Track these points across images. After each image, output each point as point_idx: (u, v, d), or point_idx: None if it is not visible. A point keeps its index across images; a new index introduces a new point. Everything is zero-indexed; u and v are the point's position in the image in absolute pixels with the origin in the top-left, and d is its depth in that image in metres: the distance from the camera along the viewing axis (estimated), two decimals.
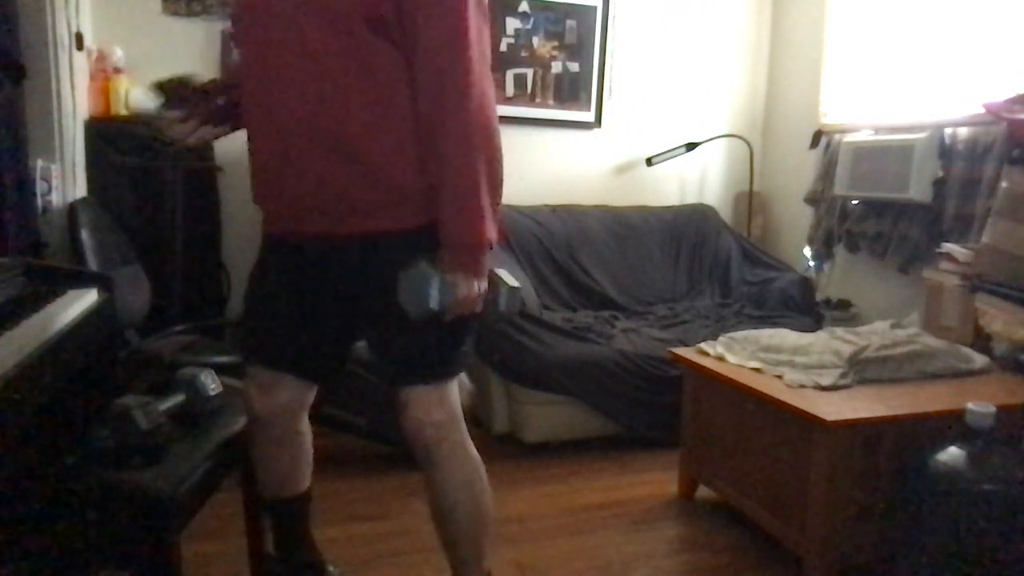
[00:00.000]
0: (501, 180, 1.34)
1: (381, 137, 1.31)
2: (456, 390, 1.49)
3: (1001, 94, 2.55)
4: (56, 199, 2.36)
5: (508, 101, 3.47)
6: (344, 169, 1.31)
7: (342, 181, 1.32)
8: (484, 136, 1.30)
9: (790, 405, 1.90)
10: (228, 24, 3.03)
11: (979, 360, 2.23)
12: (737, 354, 2.28)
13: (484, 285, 1.35)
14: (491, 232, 1.32)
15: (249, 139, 1.42)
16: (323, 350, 1.55)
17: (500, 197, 1.35)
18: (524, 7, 3.48)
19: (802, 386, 2.01)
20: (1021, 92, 2.48)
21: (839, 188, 3.25)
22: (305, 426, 1.66)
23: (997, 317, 2.31)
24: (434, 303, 1.29)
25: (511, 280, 1.42)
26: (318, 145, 1.30)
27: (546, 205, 3.48)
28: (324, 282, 1.45)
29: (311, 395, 1.63)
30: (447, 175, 1.29)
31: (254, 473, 1.65)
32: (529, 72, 3.53)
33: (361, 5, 1.26)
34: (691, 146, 3.75)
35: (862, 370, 2.09)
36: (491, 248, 1.33)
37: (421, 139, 1.32)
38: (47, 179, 2.31)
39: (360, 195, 1.33)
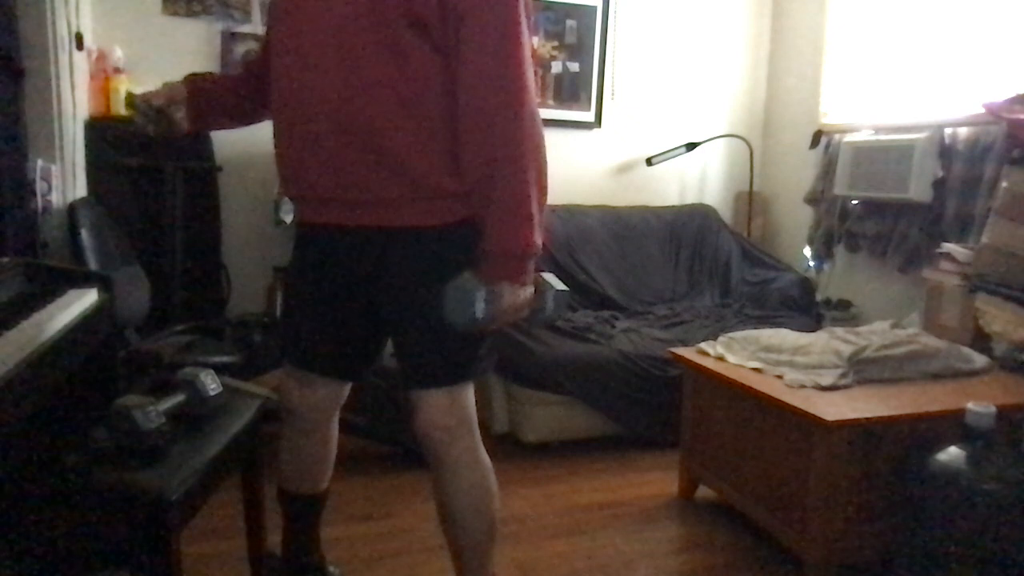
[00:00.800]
0: (547, 186, 1.33)
1: (406, 134, 1.30)
2: (471, 395, 1.47)
3: (1001, 94, 2.55)
4: (56, 199, 2.35)
5: None
6: (367, 162, 1.31)
7: (364, 174, 1.32)
8: (534, 143, 1.29)
9: (790, 405, 1.90)
10: (228, 24, 3.04)
11: (979, 360, 2.23)
12: (737, 354, 2.28)
13: (530, 292, 1.34)
14: (538, 240, 1.31)
15: (277, 129, 1.42)
16: (351, 349, 1.56)
17: (545, 203, 1.33)
18: None
19: (802, 386, 2.01)
20: (1021, 92, 2.49)
21: (839, 188, 3.25)
22: (334, 426, 1.68)
23: (997, 317, 2.31)
24: (480, 313, 1.28)
25: (557, 283, 1.41)
26: (344, 136, 1.30)
27: (546, 205, 3.47)
28: (346, 277, 1.45)
29: (346, 392, 1.64)
30: (496, 183, 1.28)
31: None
32: None
33: (402, 5, 1.25)
34: (691, 146, 3.74)
35: (862, 370, 2.09)
36: (537, 255, 1.32)
37: (457, 141, 1.31)
38: (47, 179, 2.31)
39: (381, 189, 1.33)
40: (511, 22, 1.26)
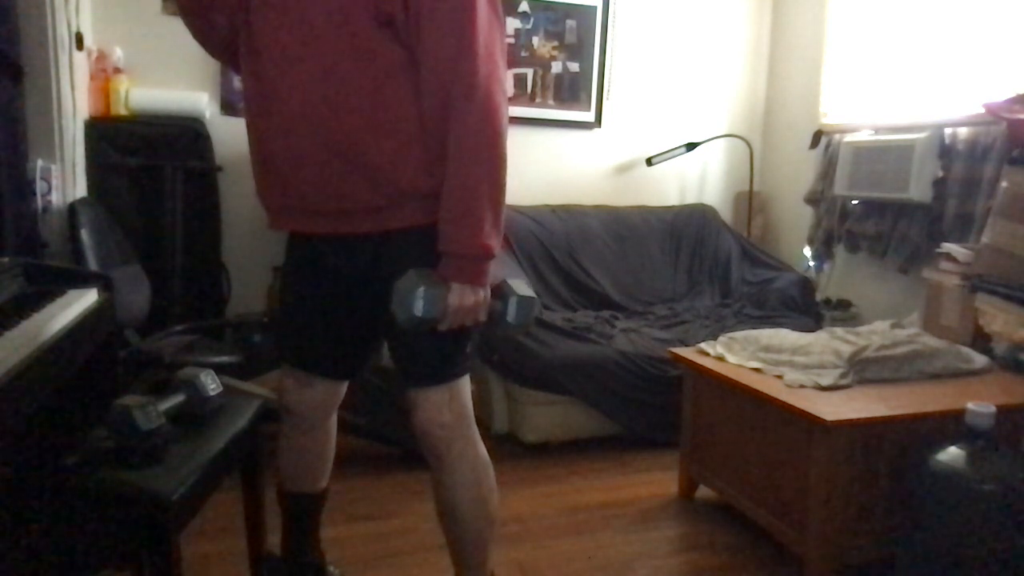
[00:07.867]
0: (504, 188, 1.31)
1: (385, 141, 1.29)
2: (467, 391, 1.48)
3: (1001, 94, 2.55)
4: (56, 199, 2.36)
5: (508, 101, 3.46)
6: (348, 172, 1.30)
7: (347, 184, 1.31)
8: (487, 142, 1.27)
9: (790, 405, 1.90)
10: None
11: (979, 360, 2.23)
12: (737, 354, 2.28)
13: (484, 294, 1.33)
14: (491, 241, 1.29)
15: (253, 136, 1.40)
16: (347, 350, 1.56)
17: (503, 205, 1.31)
18: (524, 7, 3.48)
19: (802, 386, 2.01)
20: (1021, 92, 2.49)
21: (839, 188, 3.25)
22: (333, 423, 1.68)
23: (997, 317, 2.31)
24: (419, 311, 1.26)
25: (523, 290, 1.38)
26: (323, 147, 1.30)
27: (546, 205, 3.48)
28: (339, 279, 1.46)
29: (343, 390, 1.65)
30: (447, 180, 1.28)
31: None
32: (529, 72, 3.53)
33: (369, 4, 1.25)
34: (691, 146, 3.74)
35: (862, 370, 2.09)
36: (492, 258, 1.31)
37: (428, 140, 1.31)
38: (47, 179, 2.31)
39: (365, 198, 1.32)
40: (464, 20, 1.25)
